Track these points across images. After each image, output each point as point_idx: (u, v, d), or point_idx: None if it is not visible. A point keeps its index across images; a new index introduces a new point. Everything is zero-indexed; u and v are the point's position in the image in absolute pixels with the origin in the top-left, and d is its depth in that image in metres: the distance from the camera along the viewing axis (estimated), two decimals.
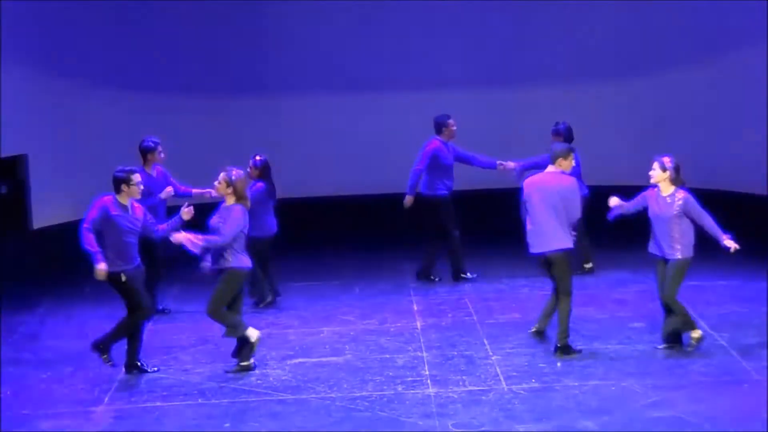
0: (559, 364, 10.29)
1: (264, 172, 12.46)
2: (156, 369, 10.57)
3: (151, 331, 11.93)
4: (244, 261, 10.46)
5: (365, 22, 16.31)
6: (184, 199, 12.10)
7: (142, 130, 15.68)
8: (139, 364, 10.56)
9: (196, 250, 10.35)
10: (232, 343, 10.66)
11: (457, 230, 13.50)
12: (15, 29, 14.22)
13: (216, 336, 11.06)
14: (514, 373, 10.10)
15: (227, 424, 9.20)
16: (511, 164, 13.40)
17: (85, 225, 10.39)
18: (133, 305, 10.45)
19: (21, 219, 14.55)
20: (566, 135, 13.54)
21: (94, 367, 10.74)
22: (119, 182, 10.43)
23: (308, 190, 16.08)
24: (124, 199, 10.45)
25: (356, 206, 16.42)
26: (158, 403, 9.78)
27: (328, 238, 16.00)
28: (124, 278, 10.37)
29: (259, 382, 10.19)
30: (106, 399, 9.91)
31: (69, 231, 14.91)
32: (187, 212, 10.49)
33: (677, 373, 10.00)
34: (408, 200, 13.47)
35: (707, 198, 15.18)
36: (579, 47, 16.30)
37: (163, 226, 10.73)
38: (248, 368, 10.44)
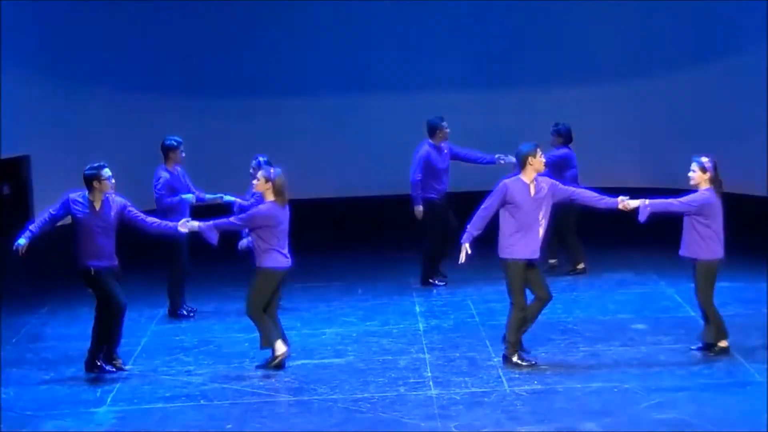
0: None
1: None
2: (113, 370, 10.52)
3: (153, 332, 11.97)
4: (279, 260, 10.40)
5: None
6: (197, 204, 12.20)
7: (143, 130, 15.79)
8: (99, 364, 10.53)
9: (211, 235, 10.37)
10: (234, 343, 10.67)
11: (440, 235, 13.37)
12: (16, 29, 14.23)
13: (218, 337, 11.06)
14: (516, 375, 10.10)
15: (229, 426, 9.19)
16: (512, 158, 13.36)
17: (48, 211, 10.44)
18: (104, 301, 10.40)
19: (24, 219, 14.54)
20: (566, 136, 13.56)
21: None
22: (89, 179, 10.33)
23: (310, 191, 16.08)
24: (95, 197, 10.35)
25: (358, 207, 16.43)
26: (160, 405, 9.78)
27: (330, 239, 16.00)
28: (93, 272, 10.32)
29: (261, 383, 10.19)
30: (109, 400, 9.90)
31: (72, 232, 14.98)
32: (183, 225, 10.50)
33: (680, 375, 9.99)
34: (418, 211, 13.32)
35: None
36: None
37: (171, 224, 10.71)
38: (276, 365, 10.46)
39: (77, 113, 15.26)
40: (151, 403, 9.83)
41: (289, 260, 10.51)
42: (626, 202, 10.20)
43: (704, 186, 10.27)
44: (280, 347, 10.42)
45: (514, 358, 10.27)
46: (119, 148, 15.69)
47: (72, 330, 12.41)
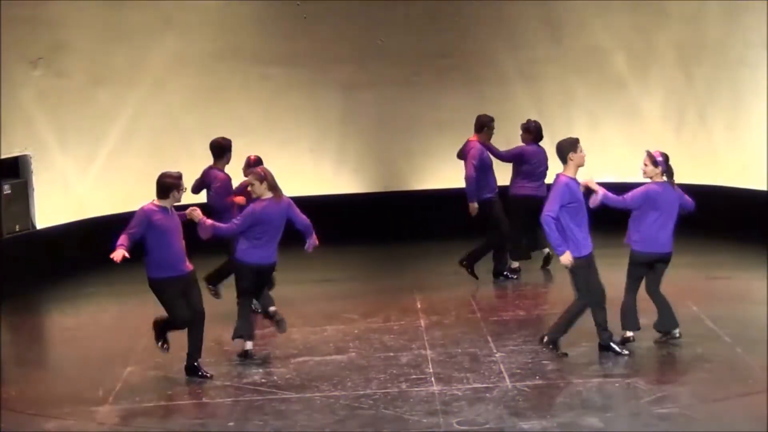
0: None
1: None
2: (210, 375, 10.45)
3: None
4: (255, 256, 10.56)
5: None
6: None
7: (144, 131, 15.79)
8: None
9: (204, 232, 10.45)
10: (237, 341, 10.70)
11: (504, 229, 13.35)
12: (19, 29, 14.23)
13: (219, 334, 11.06)
14: (518, 371, 10.11)
15: (231, 424, 9.20)
16: None
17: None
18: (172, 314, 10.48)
19: (24, 219, 14.55)
20: (536, 133, 13.55)
21: (98, 367, 10.76)
22: (170, 187, 10.22)
23: (310, 189, 16.09)
24: (169, 204, 10.27)
25: (360, 204, 16.42)
26: (162, 403, 9.79)
27: (331, 236, 15.97)
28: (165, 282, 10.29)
29: (263, 380, 10.19)
30: (111, 399, 9.90)
31: (72, 231, 15.02)
32: (191, 213, 10.49)
33: (681, 369, 10.00)
34: (473, 208, 13.12)
35: (709, 194, 15.33)
36: None
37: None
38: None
39: (77, 113, 15.23)
40: (153, 401, 9.83)
41: (271, 257, 10.67)
42: (589, 182, 10.27)
43: (657, 179, 10.38)
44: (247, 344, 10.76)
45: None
46: (120, 149, 15.70)
47: (73, 329, 12.42)
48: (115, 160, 15.61)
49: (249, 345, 10.81)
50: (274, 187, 10.61)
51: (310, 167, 16.38)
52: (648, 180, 10.52)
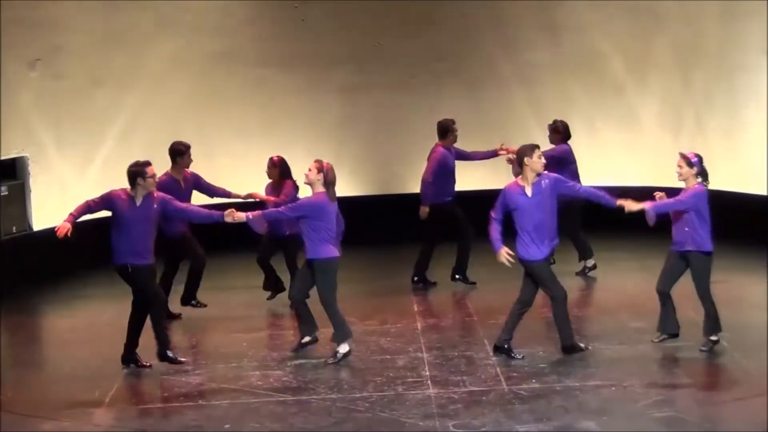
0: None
1: (283, 171, 12.56)
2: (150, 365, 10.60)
3: (152, 333, 11.92)
4: (333, 251, 10.75)
5: None
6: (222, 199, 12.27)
7: (142, 133, 15.79)
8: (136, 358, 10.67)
9: (258, 225, 10.55)
10: (232, 342, 10.68)
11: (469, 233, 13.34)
12: (17, 30, 14.22)
13: (216, 337, 11.05)
14: (515, 374, 10.10)
15: (227, 426, 9.19)
16: (513, 148, 13.34)
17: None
18: (141, 298, 10.54)
19: (21, 220, 14.54)
20: (564, 132, 13.56)
21: (95, 369, 10.75)
22: (134, 176, 10.39)
23: (310, 190, 16.08)
24: (137, 193, 10.39)
25: (357, 207, 16.42)
26: (159, 404, 9.78)
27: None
28: (130, 269, 10.39)
29: (259, 383, 10.18)
30: (107, 400, 9.89)
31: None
32: (229, 214, 10.46)
33: (678, 373, 9.99)
34: (424, 211, 13.26)
35: (708, 198, 15.31)
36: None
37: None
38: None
39: (76, 114, 15.22)
40: (149, 403, 9.83)
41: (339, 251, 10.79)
42: (629, 204, 10.22)
43: (692, 181, 10.31)
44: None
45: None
46: (120, 149, 15.69)
47: (70, 330, 12.41)
48: (112, 161, 15.57)
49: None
50: (329, 184, 10.62)
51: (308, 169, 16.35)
52: (683, 183, 10.47)
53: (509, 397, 9.53)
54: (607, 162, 15.79)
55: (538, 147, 10.38)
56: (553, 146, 13.51)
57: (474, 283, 13.43)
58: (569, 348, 10.46)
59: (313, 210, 10.54)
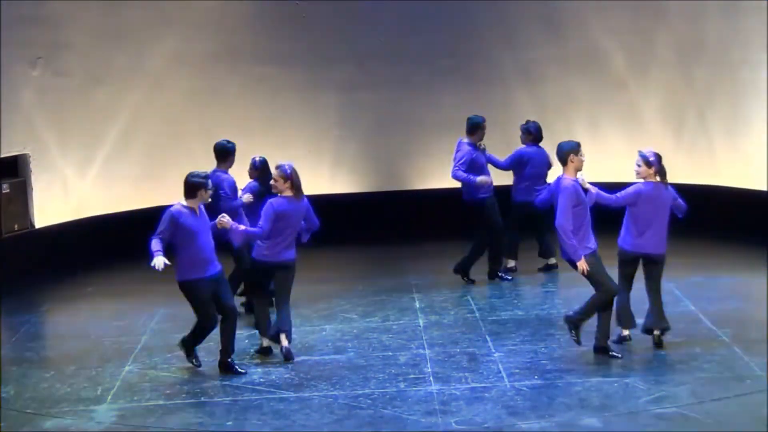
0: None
1: (263, 172, 12.39)
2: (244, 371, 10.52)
3: (153, 330, 11.96)
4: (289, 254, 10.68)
5: None
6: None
7: (143, 131, 15.79)
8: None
9: (237, 238, 10.73)
10: (235, 340, 10.68)
11: (494, 232, 13.26)
12: (18, 28, 14.23)
13: (218, 335, 11.04)
14: (517, 370, 10.10)
15: (230, 423, 9.20)
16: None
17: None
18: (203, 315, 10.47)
19: (23, 218, 14.55)
20: (536, 134, 13.50)
21: (97, 366, 10.76)
22: (197, 187, 10.21)
23: (310, 188, 16.07)
24: (194, 205, 10.26)
25: (358, 204, 16.43)
26: (161, 402, 9.78)
27: (329, 236, 15.97)
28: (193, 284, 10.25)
29: (261, 380, 10.19)
30: (109, 398, 9.90)
31: (70, 231, 15.01)
32: (220, 221, 10.48)
33: (679, 369, 9.99)
34: (483, 179, 12.88)
35: (708, 194, 15.33)
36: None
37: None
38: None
39: (77, 112, 15.22)
40: (151, 400, 9.83)
41: (291, 254, 10.71)
42: (582, 181, 10.32)
43: (651, 179, 10.40)
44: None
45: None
46: (119, 149, 15.70)
47: (72, 328, 12.42)
48: (113, 159, 15.61)
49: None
50: (295, 186, 10.61)
51: (308, 167, 16.34)
52: (641, 180, 10.50)
53: (511, 393, 9.54)
54: (608, 158, 15.77)
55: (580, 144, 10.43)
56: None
57: (473, 281, 13.39)
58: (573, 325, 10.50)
59: (274, 218, 10.49)
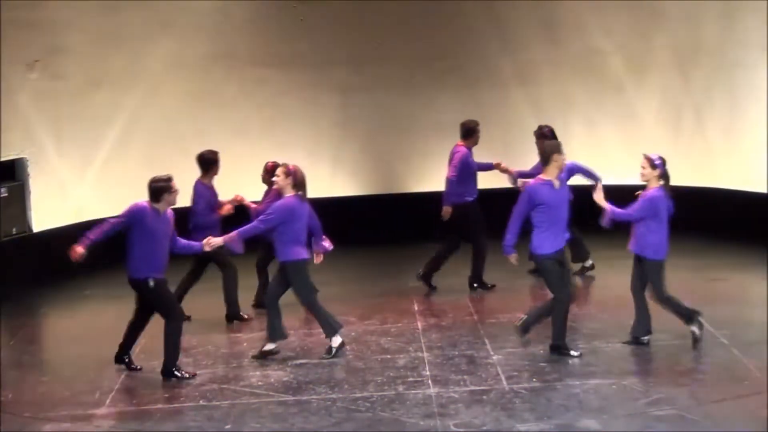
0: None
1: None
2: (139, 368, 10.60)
3: (151, 334, 11.92)
4: (303, 252, 10.73)
5: None
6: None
7: (141, 134, 15.79)
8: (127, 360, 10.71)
9: (236, 246, 10.77)
10: (232, 343, 10.68)
11: (484, 236, 13.25)
12: (16, 31, 14.23)
13: (216, 338, 11.05)
14: (515, 373, 10.10)
15: (228, 426, 9.19)
16: (513, 170, 13.31)
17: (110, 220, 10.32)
18: (164, 311, 10.48)
19: (21, 222, 14.55)
20: (552, 138, 13.49)
21: (95, 370, 10.76)
22: (161, 191, 10.33)
23: (309, 190, 16.07)
24: (161, 208, 10.36)
25: (357, 206, 16.43)
26: (159, 405, 9.77)
27: (328, 238, 15.98)
28: (152, 284, 10.34)
29: (260, 383, 10.18)
30: (107, 401, 9.89)
31: (69, 234, 14.98)
32: (207, 243, 10.58)
33: (678, 370, 9.99)
34: (446, 211, 13.10)
35: (706, 196, 15.34)
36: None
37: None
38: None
39: (75, 115, 15.23)
40: (149, 404, 9.82)
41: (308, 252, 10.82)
42: (599, 197, 10.45)
43: (654, 183, 10.40)
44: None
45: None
46: (119, 151, 15.70)
47: (70, 332, 12.42)
48: (111, 162, 15.61)
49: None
50: (299, 185, 10.64)
51: (307, 170, 16.31)
52: (645, 183, 10.52)
53: (510, 396, 9.53)
54: (606, 160, 15.76)
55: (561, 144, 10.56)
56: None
57: (494, 286, 13.30)
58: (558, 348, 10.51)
59: (284, 215, 10.56)
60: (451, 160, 13.22)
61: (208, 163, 12.37)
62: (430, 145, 16.36)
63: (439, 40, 16.37)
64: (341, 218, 16.05)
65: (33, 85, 14.67)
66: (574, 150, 13.74)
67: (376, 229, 16.28)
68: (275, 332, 10.86)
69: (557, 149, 10.41)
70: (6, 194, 14.26)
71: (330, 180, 16.47)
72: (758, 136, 15.03)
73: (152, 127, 15.84)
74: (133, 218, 10.28)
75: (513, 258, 10.46)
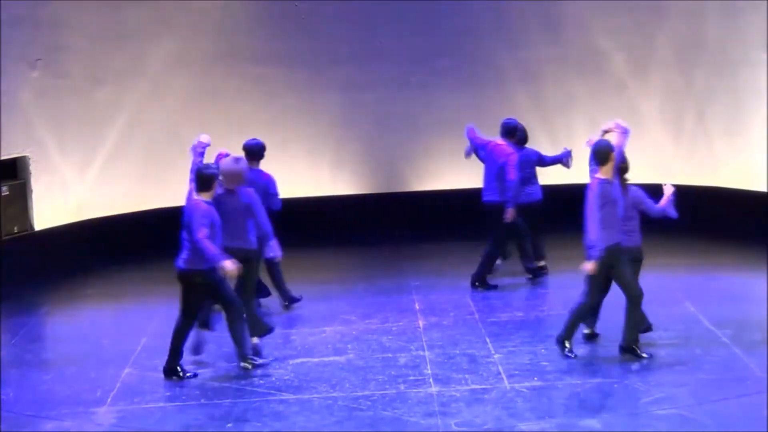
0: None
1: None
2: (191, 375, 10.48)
3: (153, 332, 11.93)
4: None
5: None
6: None
7: (143, 132, 15.79)
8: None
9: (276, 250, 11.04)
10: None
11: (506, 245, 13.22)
12: (18, 29, 14.23)
13: (217, 336, 11.04)
14: (516, 372, 10.10)
15: (230, 425, 9.20)
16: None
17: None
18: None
19: (22, 220, 14.54)
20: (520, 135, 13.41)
21: (97, 368, 10.76)
22: (213, 178, 10.25)
23: (308, 190, 16.08)
24: (209, 197, 10.24)
25: (358, 205, 16.42)
26: (161, 404, 9.78)
27: (328, 237, 16.00)
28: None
29: (261, 382, 10.18)
30: (109, 400, 9.90)
31: (70, 233, 15.01)
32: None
33: (679, 370, 9.99)
34: (512, 213, 12.74)
35: (708, 195, 15.33)
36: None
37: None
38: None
39: (76, 113, 15.22)
40: (151, 402, 9.82)
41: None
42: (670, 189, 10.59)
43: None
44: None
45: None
46: (119, 150, 15.69)
47: (72, 330, 12.41)
48: (113, 161, 15.60)
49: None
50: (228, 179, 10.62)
51: (308, 168, 16.37)
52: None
53: (511, 395, 9.53)
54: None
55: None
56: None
57: (496, 286, 13.20)
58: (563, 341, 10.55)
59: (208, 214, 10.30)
60: (508, 163, 12.80)
61: (261, 149, 12.21)
62: (431, 144, 16.35)
63: (441, 38, 16.34)
64: (342, 216, 16.08)
65: (35, 84, 14.66)
66: (576, 148, 13.73)
67: (378, 227, 16.26)
68: (259, 328, 10.90)
69: (612, 149, 10.42)
70: (7, 193, 14.25)
71: (331, 178, 16.46)
72: (760, 135, 15.01)
73: (154, 126, 15.83)
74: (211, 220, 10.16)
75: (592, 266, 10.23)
